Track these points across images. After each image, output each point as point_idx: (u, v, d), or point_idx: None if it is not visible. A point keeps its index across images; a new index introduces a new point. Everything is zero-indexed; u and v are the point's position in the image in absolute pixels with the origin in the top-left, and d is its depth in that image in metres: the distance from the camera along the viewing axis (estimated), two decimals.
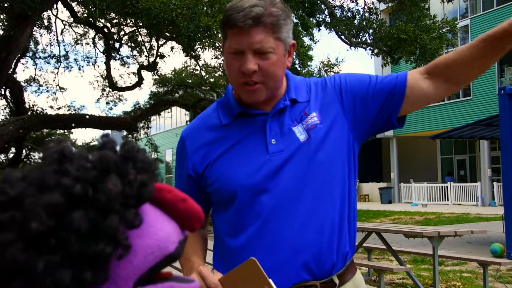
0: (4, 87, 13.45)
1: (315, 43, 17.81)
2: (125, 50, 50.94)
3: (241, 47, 1.29)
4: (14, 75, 13.66)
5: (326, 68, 19.57)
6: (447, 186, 22.18)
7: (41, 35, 19.10)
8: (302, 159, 1.34)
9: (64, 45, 29.02)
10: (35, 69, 18.88)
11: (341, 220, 1.37)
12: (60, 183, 0.59)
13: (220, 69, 15.42)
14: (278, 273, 1.29)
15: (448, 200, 21.95)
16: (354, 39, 12.75)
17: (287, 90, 1.42)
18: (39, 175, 0.60)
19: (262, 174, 1.34)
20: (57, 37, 16.37)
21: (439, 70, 1.39)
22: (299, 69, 14.06)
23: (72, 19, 13.53)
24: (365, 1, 13.08)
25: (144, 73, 15.66)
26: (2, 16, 11.29)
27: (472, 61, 1.35)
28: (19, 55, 12.65)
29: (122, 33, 14.35)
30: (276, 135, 1.36)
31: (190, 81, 18.48)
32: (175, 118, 29.31)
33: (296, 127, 1.37)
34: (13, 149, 15.53)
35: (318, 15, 13.01)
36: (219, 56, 12.98)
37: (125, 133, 18.13)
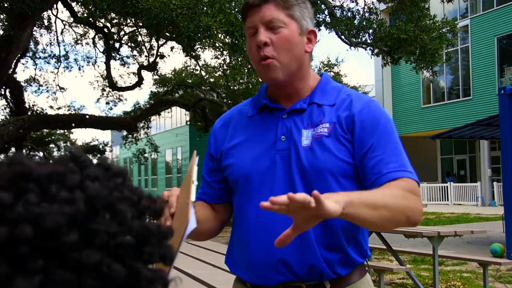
0: (4, 87, 13.45)
1: (315, 43, 17.78)
2: (125, 50, 50.97)
3: (254, 23, 1.37)
4: (14, 75, 13.65)
5: (326, 68, 19.59)
6: (447, 186, 22.18)
7: (41, 35, 19.09)
8: (297, 163, 1.35)
9: (64, 45, 28.98)
10: (35, 69, 18.85)
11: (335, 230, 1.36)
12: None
13: (220, 69, 15.41)
14: (259, 268, 1.36)
15: (448, 200, 21.96)
16: (354, 39, 12.74)
17: (312, 92, 1.43)
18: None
19: (263, 168, 1.38)
20: (57, 37, 16.32)
21: None
22: None
23: (72, 19, 13.52)
24: (365, 1, 13.08)
25: (144, 73, 15.65)
26: (2, 16, 11.28)
27: None
28: (19, 55, 12.64)
29: (122, 33, 14.34)
30: (287, 133, 1.39)
31: (190, 81, 18.49)
32: (175, 118, 29.31)
33: (307, 131, 1.38)
34: (13, 149, 15.52)
35: (318, 15, 13.00)
36: (219, 56, 12.97)
37: (125, 133, 18.14)
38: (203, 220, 1.43)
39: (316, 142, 1.35)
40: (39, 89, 16.84)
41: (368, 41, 12.82)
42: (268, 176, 1.38)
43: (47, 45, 19.22)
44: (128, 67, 17.76)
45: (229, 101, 16.12)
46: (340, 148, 1.35)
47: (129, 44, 14.75)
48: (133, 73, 16.75)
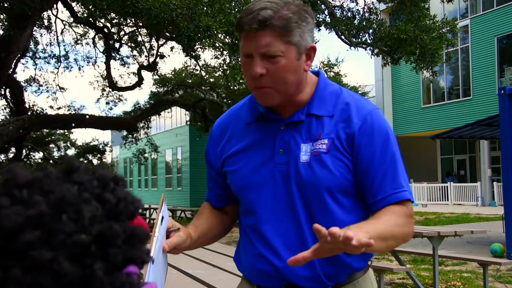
0: (4, 87, 13.45)
1: (315, 43, 17.78)
2: (125, 50, 50.95)
3: (249, 50, 1.29)
4: (14, 75, 13.66)
5: (326, 68, 19.58)
6: (447, 186, 22.18)
7: (41, 35, 19.06)
8: (296, 178, 1.35)
9: (64, 45, 28.99)
10: (35, 69, 18.85)
11: None
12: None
13: (220, 69, 15.40)
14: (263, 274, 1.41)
15: (448, 200, 21.95)
16: (354, 39, 12.74)
17: (309, 101, 1.39)
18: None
19: (260, 180, 1.38)
20: (57, 37, 16.33)
21: None
22: None
23: (72, 19, 13.53)
24: (365, 1, 13.08)
25: (144, 73, 15.66)
26: (2, 16, 11.28)
27: None
28: (19, 55, 12.64)
29: (122, 33, 14.34)
30: (285, 145, 1.37)
31: (190, 81, 18.49)
32: (175, 118, 29.29)
33: (306, 145, 1.36)
34: (13, 149, 15.53)
35: (318, 15, 13.00)
36: (219, 56, 12.96)
37: (125, 133, 18.14)
38: (206, 231, 1.47)
39: (314, 158, 1.33)
40: (39, 89, 16.86)
41: (368, 41, 12.82)
42: (267, 189, 1.38)
43: (47, 45, 19.28)
44: (128, 67, 17.79)
45: (229, 101, 16.11)
46: (338, 165, 1.34)
47: (129, 44, 14.75)
48: (133, 73, 16.76)
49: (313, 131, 1.36)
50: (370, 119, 1.36)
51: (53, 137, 22.22)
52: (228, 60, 12.43)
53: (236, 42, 9.43)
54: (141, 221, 0.71)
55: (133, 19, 10.52)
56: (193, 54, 12.58)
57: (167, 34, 10.72)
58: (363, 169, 1.35)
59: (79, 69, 18.07)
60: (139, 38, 14.37)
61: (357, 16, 12.89)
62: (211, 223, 1.50)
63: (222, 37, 10.00)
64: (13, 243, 0.53)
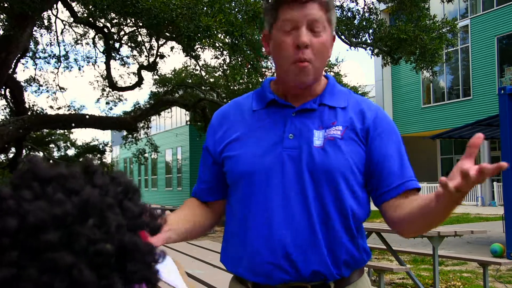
0: (4, 87, 13.45)
1: None
2: (125, 50, 50.99)
3: (297, 18, 1.31)
4: (14, 75, 13.65)
5: (326, 68, 19.59)
6: None
7: (41, 35, 19.12)
8: (309, 162, 1.33)
9: (64, 45, 29.05)
10: (35, 69, 18.91)
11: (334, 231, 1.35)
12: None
13: (220, 69, 15.41)
14: (262, 267, 1.34)
15: None
16: (354, 39, 12.74)
17: (322, 93, 1.42)
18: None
19: (267, 165, 1.35)
20: (57, 37, 16.40)
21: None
22: None
23: (72, 19, 13.53)
24: (365, 1, 13.08)
25: (144, 73, 15.66)
26: (2, 16, 11.28)
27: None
28: (19, 55, 12.64)
29: (122, 33, 14.34)
30: (295, 130, 1.36)
31: (190, 81, 18.50)
32: (175, 118, 29.29)
33: (318, 131, 1.36)
34: (13, 149, 15.53)
35: None
36: (219, 56, 12.97)
37: (125, 133, 18.14)
38: (192, 222, 1.43)
39: (329, 143, 1.34)
40: (39, 89, 16.87)
41: (368, 41, 12.82)
42: (275, 173, 1.34)
43: (47, 45, 19.31)
44: (128, 67, 17.82)
45: (229, 101, 16.11)
46: (354, 151, 1.35)
47: (129, 44, 14.76)
48: (133, 73, 16.77)
49: (325, 119, 1.38)
50: (381, 113, 1.43)
51: (53, 137, 22.24)
52: (228, 60, 12.44)
53: (236, 42, 9.43)
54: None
55: (133, 19, 10.53)
56: (193, 54, 12.58)
57: (167, 34, 10.72)
58: (379, 158, 1.36)
59: (79, 69, 18.11)
60: (139, 38, 14.38)
61: (357, 16, 12.90)
62: (198, 214, 1.47)
63: (222, 37, 10.00)
64: (34, 240, 0.51)
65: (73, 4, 11.98)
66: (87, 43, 19.86)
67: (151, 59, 14.77)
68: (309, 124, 1.37)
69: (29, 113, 14.10)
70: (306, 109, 1.38)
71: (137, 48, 14.83)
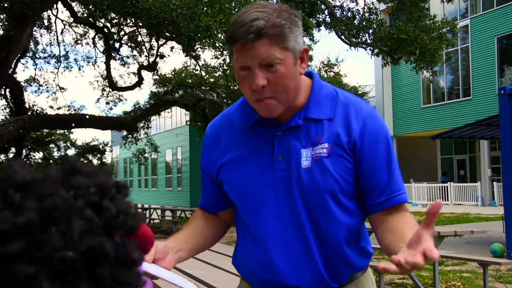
0: (4, 87, 13.45)
1: (315, 43, 17.89)
2: (125, 50, 50.94)
3: (247, 62, 1.25)
4: (14, 75, 13.66)
5: (326, 68, 19.60)
6: (447, 186, 22.17)
7: (41, 35, 19.10)
8: (298, 183, 1.34)
9: (64, 45, 29.02)
10: (35, 69, 18.91)
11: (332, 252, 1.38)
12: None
13: (220, 69, 15.41)
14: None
15: (448, 200, 21.95)
16: (354, 39, 12.75)
17: (306, 104, 1.38)
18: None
19: (259, 188, 1.37)
20: (57, 37, 16.39)
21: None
22: None
23: (72, 19, 13.53)
24: (365, 1, 13.09)
25: (144, 73, 15.66)
26: (2, 16, 11.29)
27: None
28: (19, 55, 12.64)
29: (122, 33, 14.34)
30: (284, 152, 1.36)
31: (190, 81, 18.49)
32: (175, 118, 29.28)
33: (306, 150, 1.35)
34: (13, 149, 15.53)
35: (318, 15, 13.01)
36: (219, 56, 12.97)
37: (125, 133, 18.14)
38: (200, 235, 1.48)
39: (316, 163, 1.33)
40: (39, 89, 16.88)
41: (368, 41, 12.83)
42: (268, 195, 1.36)
43: (47, 45, 19.28)
44: (128, 67, 17.82)
45: (229, 101, 16.13)
46: (340, 168, 1.33)
47: (129, 44, 14.76)
48: (133, 73, 16.77)
49: (312, 135, 1.35)
50: (370, 121, 1.37)
51: (53, 137, 22.23)
52: (228, 60, 12.44)
53: None
54: (146, 230, 0.66)
55: (133, 19, 10.52)
56: (193, 54, 12.58)
57: (167, 34, 10.72)
58: (365, 172, 1.35)
59: (79, 69, 18.12)
60: (139, 38, 14.38)
61: (357, 16, 12.91)
62: (205, 229, 1.50)
63: (222, 37, 10.00)
64: None
65: (73, 4, 11.98)
66: (87, 43, 19.86)
67: (151, 59, 14.77)
68: (297, 144, 1.35)
69: (29, 113, 14.10)
70: (291, 127, 1.36)
71: (137, 48, 14.84)
